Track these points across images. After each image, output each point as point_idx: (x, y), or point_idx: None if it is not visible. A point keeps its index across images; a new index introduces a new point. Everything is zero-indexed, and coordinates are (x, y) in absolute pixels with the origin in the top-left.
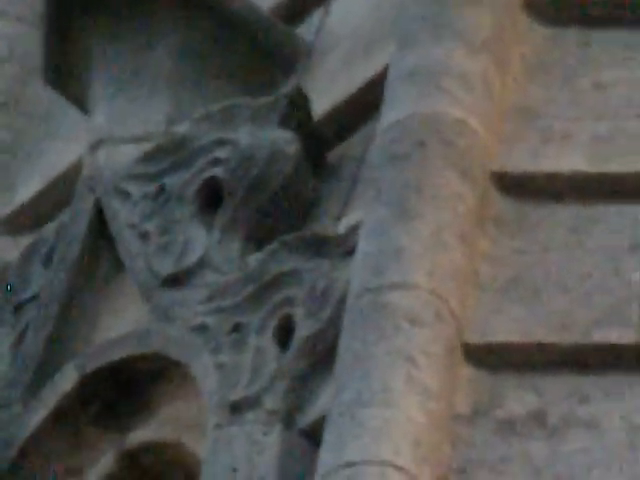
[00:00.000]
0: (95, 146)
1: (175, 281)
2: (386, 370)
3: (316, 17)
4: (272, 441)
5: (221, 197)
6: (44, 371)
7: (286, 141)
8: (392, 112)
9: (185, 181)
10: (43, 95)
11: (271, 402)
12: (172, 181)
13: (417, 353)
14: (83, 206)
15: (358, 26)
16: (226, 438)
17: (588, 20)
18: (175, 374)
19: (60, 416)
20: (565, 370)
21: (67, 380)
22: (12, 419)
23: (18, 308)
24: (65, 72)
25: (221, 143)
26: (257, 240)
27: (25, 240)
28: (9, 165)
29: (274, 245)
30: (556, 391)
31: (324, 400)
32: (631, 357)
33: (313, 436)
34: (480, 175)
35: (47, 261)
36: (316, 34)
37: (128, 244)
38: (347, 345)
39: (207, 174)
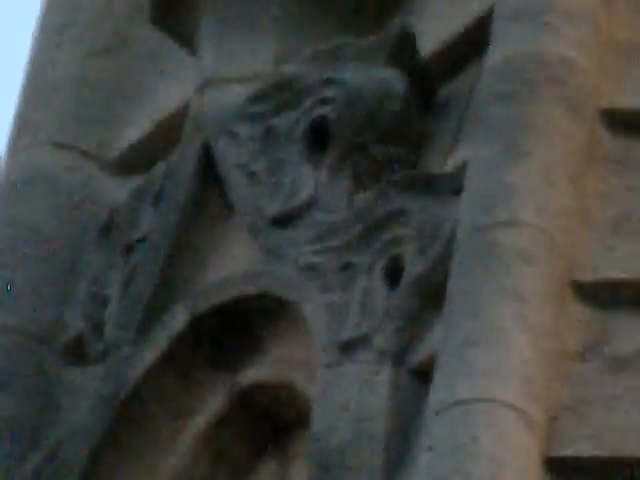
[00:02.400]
0: (203, 86)
1: (284, 221)
2: (496, 308)
3: None
4: (382, 380)
5: (329, 137)
6: (154, 312)
7: (394, 80)
8: (499, 50)
9: (293, 121)
10: (151, 35)
11: (381, 341)
12: (280, 121)
13: (527, 291)
14: (191, 147)
15: None
16: (336, 377)
17: None
18: (285, 314)
19: (171, 357)
20: None
21: (177, 321)
22: (123, 360)
23: (127, 249)
24: (172, 12)
25: (329, 82)
26: (365, 179)
27: (134, 181)
28: (118, 106)
29: (382, 184)
30: None
31: (434, 339)
32: None
33: (423, 375)
34: (589, 112)
35: (156, 202)
36: None
37: (236, 184)
38: (456, 284)
39: (315, 114)
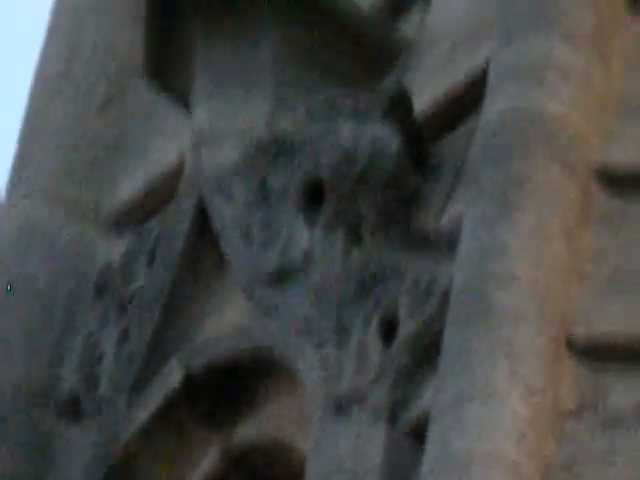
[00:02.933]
0: (197, 143)
1: (278, 278)
2: (490, 365)
3: (417, 13)
4: (377, 437)
5: (323, 193)
6: (148, 369)
7: (388, 137)
8: (493, 107)
9: (287, 177)
10: (145, 93)
11: (376, 397)
12: (274, 178)
13: (521, 348)
14: (186, 203)
15: (459, 21)
16: (331, 434)
17: None
18: (279, 370)
19: (165, 414)
20: None
21: (172, 378)
22: (117, 417)
23: (122, 305)
24: (167, 70)
25: (323, 139)
26: (360, 236)
27: (128, 237)
28: (113, 162)
29: (377, 241)
30: None
31: (428, 396)
32: None
33: (418, 432)
34: (583, 169)
35: (150, 259)
36: (417, 29)
37: (231, 241)
38: (451, 340)
39: (309, 171)
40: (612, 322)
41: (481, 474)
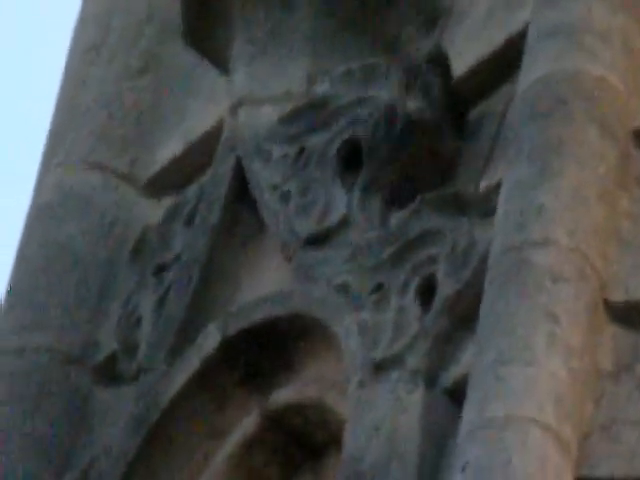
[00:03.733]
0: (235, 107)
1: (317, 241)
2: (528, 328)
3: None
4: (415, 400)
5: (362, 156)
6: (187, 333)
7: (427, 100)
8: (533, 70)
9: (326, 141)
10: (183, 56)
11: (414, 361)
12: (313, 141)
13: (559, 310)
14: (224, 167)
15: None
16: (369, 397)
17: None
18: (317, 334)
19: (203, 378)
20: None
21: (210, 341)
22: (156, 381)
23: (160, 270)
24: (205, 32)
25: (361, 102)
26: (398, 199)
27: (167, 202)
28: (150, 127)
29: (415, 204)
30: None
31: (466, 359)
32: None
33: (456, 395)
34: (621, 132)
35: (189, 223)
36: None
37: (269, 205)
38: (489, 304)
39: (348, 134)
40: None
41: (519, 436)
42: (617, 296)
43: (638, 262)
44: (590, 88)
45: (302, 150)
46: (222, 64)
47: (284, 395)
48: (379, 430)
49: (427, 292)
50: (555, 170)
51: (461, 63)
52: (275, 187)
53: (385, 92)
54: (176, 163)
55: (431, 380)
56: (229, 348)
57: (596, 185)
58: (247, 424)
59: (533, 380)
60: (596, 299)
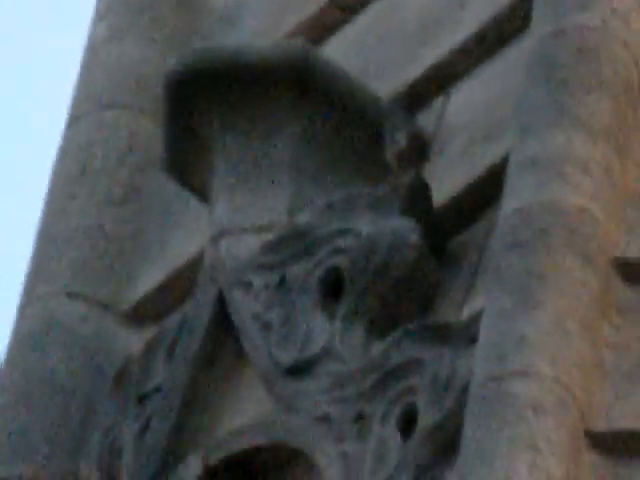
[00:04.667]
0: (217, 237)
1: (298, 371)
2: (509, 459)
3: (436, 105)
4: None
5: (343, 286)
6: (168, 463)
7: (407, 229)
8: (513, 200)
9: (307, 271)
10: (164, 186)
11: None
12: (294, 271)
13: (540, 441)
14: (206, 297)
15: (478, 115)
16: None
17: None
18: (299, 464)
19: None
20: None
21: (191, 472)
22: None
23: (141, 400)
24: (185, 162)
25: (342, 232)
26: (379, 329)
27: (148, 332)
28: (132, 256)
29: (397, 334)
30: None
31: None
32: None
33: None
34: (602, 262)
35: (170, 353)
36: (436, 122)
37: (251, 335)
38: (470, 434)
39: (329, 264)
40: (633, 417)
41: None
42: (599, 426)
43: (620, 392)
44: (571, 218)
45: (283, 279)
46: (203, 194)
47: None
48: None
49: (408, 422)
50: (536, 300)
51: (442, 192)
52: (256, 317)
53: (366, 222)
54: (158, 293)
55: None
56: (210, 478)
57: (577, 315)
58: None
59: None
60: (578, 429)
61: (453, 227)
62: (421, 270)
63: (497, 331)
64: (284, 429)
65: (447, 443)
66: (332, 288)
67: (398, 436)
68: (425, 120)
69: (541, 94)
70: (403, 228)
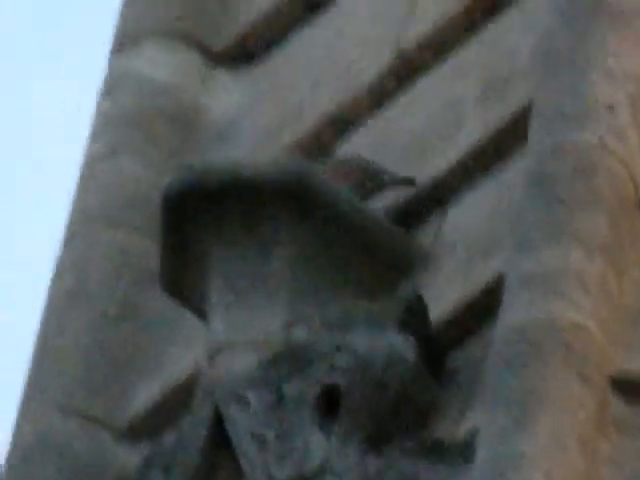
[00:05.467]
0: (214, 353)
1: None
2: None
3: (433, 221)
4: None
5: (340, 403)
6: None
7: (404, 346)
8: (510, 316)
9: (304, 388)
10: (160, 302)
11: None
12: (291, 388)
13: None
14: (202, 414)
15: (475, 230)
16: None
17: None
18: None
19: None
20: None
21: None
22: None
23: None
24: (182, 279)
25: (339, 349)
26: (376, 445)
27: (144, 449)
28: (128, 372)
29: (394, 451)
30: None
31: None
32: None
33: None
34: (599, 379)
35: (167, 470)
36: (433, 238)
37: (247, 451)
38: None
39: (326, 381)
40: None
41: None
42: None
43: None
44: (567, 335)
45: (280, 396)
46: (200, 310)
47: None
48: None
49: None
50: (532, 417)
51: (439, 308)
52: (253, 434)
53: (362, 339)
54: (154, 409)
55: None
56: None
57: (574, 432)
58: None
59: None
60: None
61: (450, 343)
62: (417, 387)
63: (494, 448)
64: None
65: None
66: (329, 405)
67: None
68: (422, 238)
69: (538, 210)
70: (399, 344)
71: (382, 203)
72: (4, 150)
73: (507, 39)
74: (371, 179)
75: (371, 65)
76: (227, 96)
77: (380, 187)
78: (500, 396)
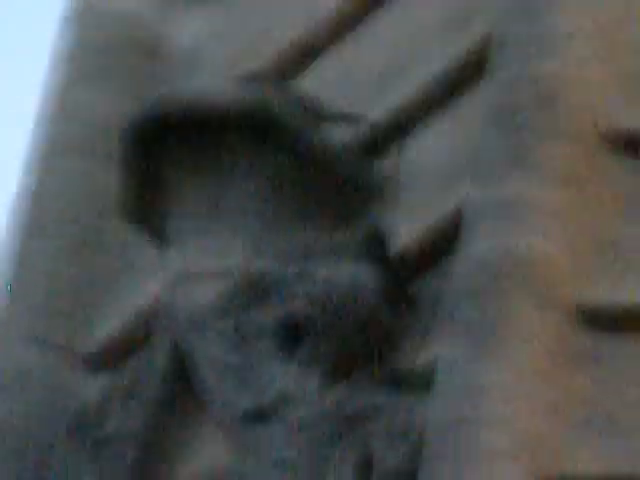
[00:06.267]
0: (173, 282)
1: (255, 416)
2: None
3: (395, 151)
4: None
5: (301, 332)
6: None
7: (365, 275)
8: (469, 246)
9: (264, 316)
10: (122, 231)
11: None
12: (251, 317)
13: None
14: (161, 343)
15: (434, 164)
16: None
17: None
18: None
19: None
20: None
21: None
22: None
23: (96, 446)
24: (143, 208)
25: (300, 278)
26: (337, 374)
27: (104, 377)
28: (89, 301)
29: (354, 380)
30: None
31: None
32: None
33: None
34: (559, 308)
35: (127, 400)
36: (395, 168)
37: (207, 381)
38: (427, 478)
39: (286, 309)
40: (588, 462)
41: None
42: (559, 469)
43: (577, 437)
44: (527, 264)
45: (240, 325)
46: (161, 240)
47: None
48: None
49: (365, 469)
50: (491, 347)
51: (400, 240)
52: (213, 363)
53: (324, 268)
54: (114, 338)
55: None
56: None
57: (533, 362)
58: None
59: None
60: (540, 472)
61: (411, 273)
62: (378, 316)
63: (453, 378)
64: (242, 476)
65: None
66: (289, 334)
67: None
68: (384, 167)
69: (498, 141)
70: (361, 274)
71: (341, 136)
72: None
73: None
74: (313, 115)
75: None
76: (190, 24)
77: (320, 123)
78: (459, 327)
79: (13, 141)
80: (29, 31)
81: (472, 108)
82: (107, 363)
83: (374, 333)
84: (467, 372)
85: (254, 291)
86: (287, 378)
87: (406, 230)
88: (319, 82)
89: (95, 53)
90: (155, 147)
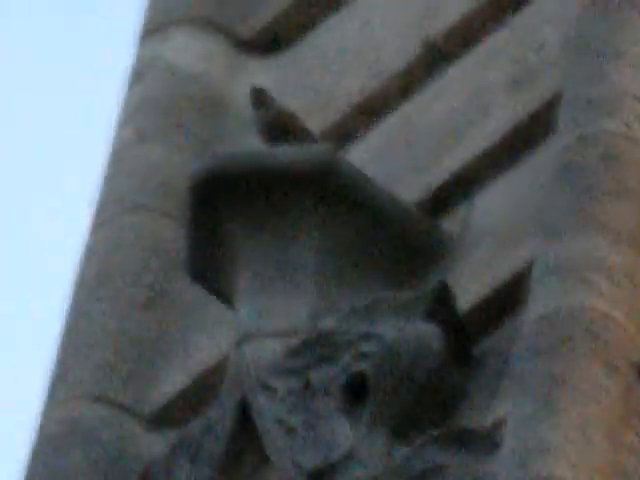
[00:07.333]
0: (241, 341)
1: (321, 476)
2: None
3: (461, 210)
4: None
5: (367, 391)
6: None
7: (432, 335)
8: (538, 306)
9: (331, 376)
10: (188, 290)
11: None
12: (318, 376)
13: None
14: (229, 402)
15: (502, 220)
16: None
17: None
18: None
19: None
20: None
21: None
22: None
23: None
24: (209, 266)
25: (367, 337)
26: (403, 434)
27: (171, 436)
28: (155, 360)
29: (420, 440)
30: None
31: None
32: None
33: None
34: (625, 367)
35: (194, 457)
36: (461, 227)
37: (274, 439)
38: None
39: (353, 369)
40: None
41: None
42: None
43: None
44: (595, 324)
45: (307, 384)
46: (227, 298)
47: None
48: None
49: None
50: (559, 406)
51: (467, 297)
52: (280, 421)
53: (390, 328)
54: (181, 397)
55: None
56: None
57: (600, 421)
58: None
59: None
60: None
61: (477, 333)
62: (444, 376)
63: (520, 437)
64: None
65: None
66: (356, 393)
67: None
68: (450, 226)
69: (565, 199)
70: (427, 334)
71: (410, 192)
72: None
73: (536, 28)
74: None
75: (399, 54)
76: (254, 83)
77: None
78: (527, 385)
79: (84, 193)
80: (98, 85)
81: (539, 165)
82: (174, 420)
83: (439, 394)
84: (534, 432)
85: (320, 350)
86: (354, 437)
87: (471, 290)
88: (386, 139)
89: (162, 110)
90: (221, 205)
